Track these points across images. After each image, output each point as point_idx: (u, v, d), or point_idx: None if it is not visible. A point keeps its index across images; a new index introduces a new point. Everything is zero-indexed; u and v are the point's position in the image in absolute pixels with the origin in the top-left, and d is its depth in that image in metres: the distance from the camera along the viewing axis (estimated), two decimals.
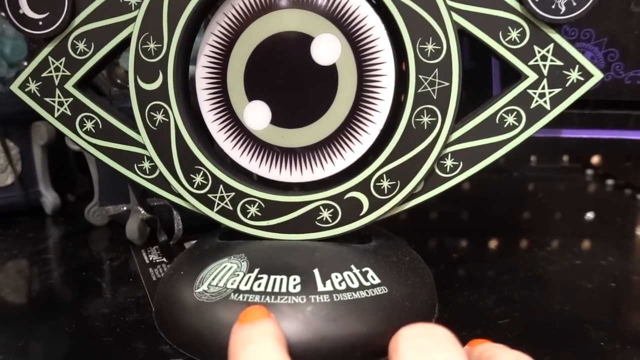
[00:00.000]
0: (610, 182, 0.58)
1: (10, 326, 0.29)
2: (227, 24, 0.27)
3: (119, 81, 0.40)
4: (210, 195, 0.28)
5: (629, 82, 0.33)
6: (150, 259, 0.36)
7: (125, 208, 0.38)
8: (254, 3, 0.27)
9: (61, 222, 0.46)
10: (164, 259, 0.36)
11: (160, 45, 0.27)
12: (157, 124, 0.28)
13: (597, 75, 0.26)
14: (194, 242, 0.38)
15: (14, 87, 0.30)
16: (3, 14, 0.48)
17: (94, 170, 0.42)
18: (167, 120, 0.28)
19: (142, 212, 0.38)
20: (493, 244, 0.42)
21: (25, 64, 0.51)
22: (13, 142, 0.45)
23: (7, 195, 0.45)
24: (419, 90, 0.26)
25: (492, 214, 0.50)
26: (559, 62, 0.26)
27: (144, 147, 0.29)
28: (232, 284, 0.24)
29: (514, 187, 0.57)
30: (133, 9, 0.27)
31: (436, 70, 0.26)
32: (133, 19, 0.27)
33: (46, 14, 0.28)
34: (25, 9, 0.28)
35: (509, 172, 0.59)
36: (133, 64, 0.28)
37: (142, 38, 0.27)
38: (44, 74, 0.29)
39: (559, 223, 0.48)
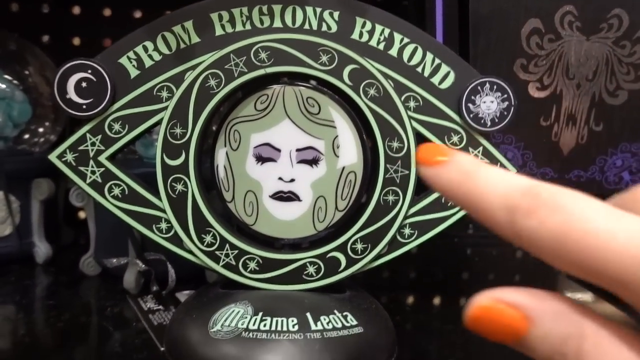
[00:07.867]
0: None
1: None
2: None
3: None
4: (217, 252, 0.35)
5: (540, 177, 0.43)
6: (148, 306, 0.41)
7: (125, 261, 0.43)
8: None
9: (52, 272, 0.50)
10: (161, 307, 0.41)
11: (185, 131, 0.34)
12: (176, 193, 0.35)
13: (513, 171, 0.35)
14: (188, 291, 0.43)
15: (52, 156, 0.35)
16: (16, 81, 0.54)
17: (92, 226, 0.47)
18: (185, 190, 0.35)
19: (140, 264, 0.43)
20: (437, 299, 0.50)
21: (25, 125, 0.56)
22: (14, 196, 0.50)
23: (3, 244, 0.49)
24: (387, 176, 0.35)
25: (436, 274, 0.59)
26: (486, 160, 0.35)
27: (162, 210, 0.35)
28: (242, 325, 0.30)
29: (455, 250, 0.66)
30: (164, 100, 0.35)
31: (399, 161, 0.35)
32: (163, 108, 0.34)
33: (90, 100, 0.35)
34: (72, 94, 0.35)
35: (451, 238, 0.69)
36: (161, 144, 0.34)
37: (170, 124, 0.34)
38: (81, 147, 0.35)
39: (491, 283, 0.57)
